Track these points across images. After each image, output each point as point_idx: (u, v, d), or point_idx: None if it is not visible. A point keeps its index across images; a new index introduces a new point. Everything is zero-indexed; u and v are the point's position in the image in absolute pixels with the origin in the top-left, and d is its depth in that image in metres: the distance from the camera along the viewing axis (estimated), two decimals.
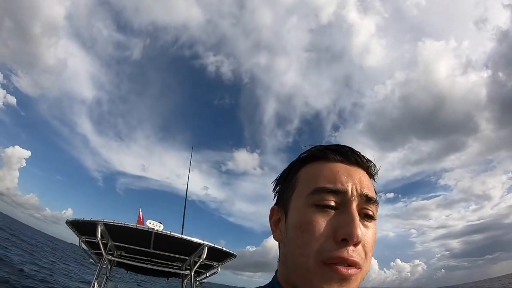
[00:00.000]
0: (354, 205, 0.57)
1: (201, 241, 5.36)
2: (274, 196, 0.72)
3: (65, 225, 5.80)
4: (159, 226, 5.20)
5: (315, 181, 0.60)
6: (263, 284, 0.67)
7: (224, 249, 5.76)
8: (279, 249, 0.66)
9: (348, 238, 0.53)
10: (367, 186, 0.61)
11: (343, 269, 0.53)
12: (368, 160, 0.66)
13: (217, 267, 6.52)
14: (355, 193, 0.58)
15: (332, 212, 0.57)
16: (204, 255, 5.41)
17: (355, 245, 0.54)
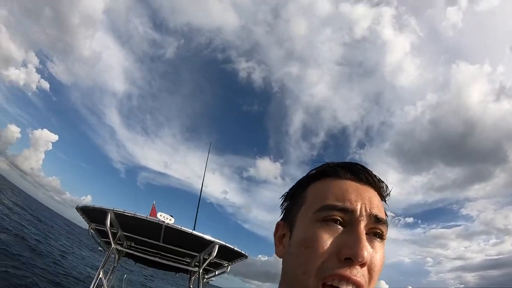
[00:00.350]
0: (362, 225, 0.55)
1: (212, 239, 5.21)
2: (282, 212, 0.70)
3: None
4: (170, 220, 5.09)
5: (324, 198, 0.58)
6: None
7: (235, 248, 5.61)
8: (282, 266, 0.62)
9: (353, 258, 0.50)
10: (377, 207, 0.59)
11: None
12: (380, 181, 0.63)
13: (227, 266, 6.35)
14: (364, 213, 0.56)
15: (339, 229, 0.54)
16: (215, 253, 5.25)
17: (361, 266, 0.51)
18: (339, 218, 0.55)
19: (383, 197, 0.63)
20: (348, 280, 0.50)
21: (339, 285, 0.50)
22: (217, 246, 5.20)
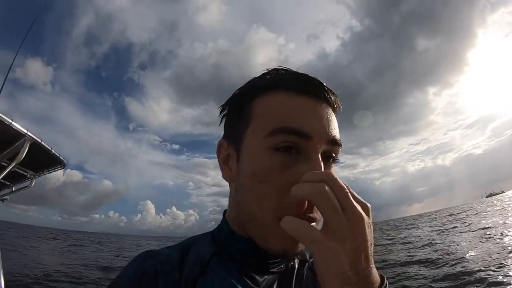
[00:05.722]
0: (320, 151, 0.50)
1: (24, 130, 3.69)
2: (220, 122, 0.62)
3: None
4: None
5: (276, 118, 0.51)
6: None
7: (52, 151, 4.30)
8: (230, 190, 0.61)
9: None
10: (335, 128, 0.54)
11: None
12: (334, 94, 0.56)
13: (31, 178, 4.86)
14: (322, 137, 0.50)
15: (294, 157, 0.49)
16: (23, 155, 3.81)
17: None
18: (293, 144, 0.49)
19: (336, 111, 0.57)
20: (304, 217, 0.47)
21: None
22: (28, 143, 3.79)
